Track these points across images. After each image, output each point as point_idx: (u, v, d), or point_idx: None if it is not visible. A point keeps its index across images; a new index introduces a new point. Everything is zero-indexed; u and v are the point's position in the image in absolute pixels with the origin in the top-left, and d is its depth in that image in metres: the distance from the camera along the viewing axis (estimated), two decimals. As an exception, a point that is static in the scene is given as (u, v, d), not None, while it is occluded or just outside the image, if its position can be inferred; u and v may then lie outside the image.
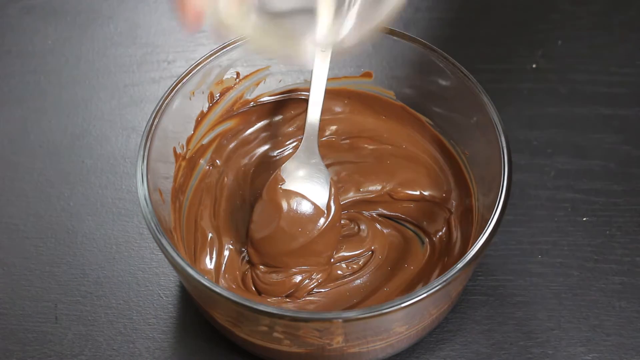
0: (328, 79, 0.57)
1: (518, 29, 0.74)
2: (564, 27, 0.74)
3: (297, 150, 0.57)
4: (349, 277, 0.56)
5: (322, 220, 0.55)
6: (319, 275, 0.56)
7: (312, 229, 0.55)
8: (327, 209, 0.55)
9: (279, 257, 0.55)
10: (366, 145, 0.62)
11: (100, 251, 0.61)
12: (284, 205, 0.55)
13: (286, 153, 0.62)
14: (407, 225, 0.59)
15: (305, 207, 0.55)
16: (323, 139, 0.62)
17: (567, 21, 0.74)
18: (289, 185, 0.56)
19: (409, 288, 0.55)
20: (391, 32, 0.57)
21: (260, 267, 0.56)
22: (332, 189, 0.56)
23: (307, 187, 0.56)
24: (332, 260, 0.56)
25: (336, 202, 0.56)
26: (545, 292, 0.58)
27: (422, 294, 0.46)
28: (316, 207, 0.55)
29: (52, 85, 0.71)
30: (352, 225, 0.59)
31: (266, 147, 0.62)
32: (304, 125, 0.56)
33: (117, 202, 0.63)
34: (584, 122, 0.67)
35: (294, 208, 0.55)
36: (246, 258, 0.57)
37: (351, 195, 0.59)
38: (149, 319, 0.57)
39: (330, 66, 0.56)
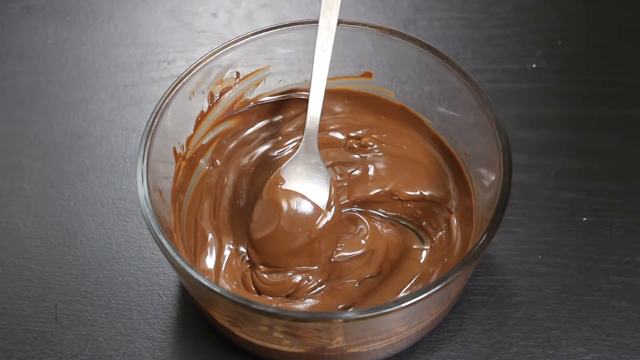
0: (328, 79, 0.57)
1: (518, 29, 0.74)
2: (564, 27, 0.74)
3: (297, 150, 0.57)
4: (349, 277, 0.56)
5: (322, 220, 0.55)
6: (319, 275, 0.56)
7: (312, 228, 0.55)
8: (327, 209, 0.55)
9: (279, 257, 0.55)
10: (366, 145, 0.62)
11: (100, 251, 0.61)
12: (284, 205, 0.55)
13: (286, 153, 0.62)
14: (407, 225, 0.59)
15: (305, 207, 0.55)
16: (323, 138, 0.62)
17: (567, 21, 0.74)
18: (289, 185, 0.56)
19: (409, 288, 0.55)
20: (391, 32, 0.57)
21: (260, 267, 0.56)
22: (332, 189, 0.56)
23: (307, 187, 0.56)
24: (332, 260, 0.56)
25: (336, 202, 0.56)
26: (545, 292, 0.58)
27: (422, 294, 0.46)
28: (316, 206, 0.55)
29: (52, 85, 0.71)
30: (352, 225, 0.59)
31: (266, 147, 0.62)
32: (304, 125, 0.56)
33: (117, 202, 0.63)
34: (584, 122, 0.67)
35: (294, 208, 0.55)
36: (246, 258, 0.57)
37: (351, 195, 0.59)
38: (149, 319, 0.57)
39: (330, 66, 0.56)
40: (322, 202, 0.55)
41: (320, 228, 0.55)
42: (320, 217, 0.55)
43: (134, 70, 0.72)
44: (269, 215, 0.55)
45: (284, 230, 0.55)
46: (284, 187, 0.56)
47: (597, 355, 0.55)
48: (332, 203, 0.55)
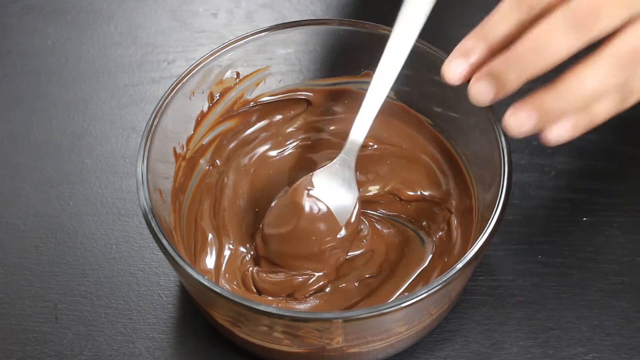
0: (328, 79, 0.57)
1: (518, 29, 0.74)
2: (564, 27, 0.74)
3: (334, 161, 0.56)
4: (349, 277, 0.56)
5: (336, 236, 0.54)
6: (320, 277, 0.55)
7: (324, 241, 0.54)
8: (345, 227, 0.55)
9: (283, 258, 0.55)
10: (366, 145, 0.62)
11: (100, 251, 0.61)
12: (306, 210, 0.54)
13: (286, 153, 0.62)
14: (407, 225, 0.59)
15: (325, 218, 0.55)
16: (323, 138, 0.62)
17: (567, 21, 0.74)
18: (316, 192, 0.55)
19: (409, 288, 0.55)
20: (391, 32, 0.57)
21: (262, 263, 0.56)
22: (357, 209, 0.55)
23: (332, 199, 0.55)
24: (336, 273, 0.56)
25: (356, 222, 0.55)
26: (545, 292, 0.58)
27: (422, 294, 0.46)
28: (335, 221, 0.55)
29: (52, 85, 0.71)
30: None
31: (266, 147, 0.62)
32: (349, 134, 0.55)
33: (117, 202, 0.63)
34: (584, 122, 0.67)
35: (314, 216, 0.55)
36: (246, 258, 0.57)
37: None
38: (149, 319, 0.57)
39: (329, 66, 0.56)
40: (342, 217, 0.55)
41: (331, 243, 0.54)
42: (336, 232, 0.54)
43: (134, 70, 0.72)
44: (287, 215, 0.55)
45: (296, 235, 0.54)
46: (311, 193, 0.55)
47: (597, 355, 0.55)
48: (352, 221, 0.55)
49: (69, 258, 0.61)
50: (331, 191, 0.55)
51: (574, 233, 0.61)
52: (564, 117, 0.48)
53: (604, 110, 0.49)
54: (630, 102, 0.49)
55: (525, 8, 0.46)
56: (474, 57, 0.49)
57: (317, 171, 0.56)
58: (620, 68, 0.45)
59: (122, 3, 0.77)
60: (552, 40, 0.45)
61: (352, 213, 0.55)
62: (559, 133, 0.49)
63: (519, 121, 0.48)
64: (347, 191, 0.55)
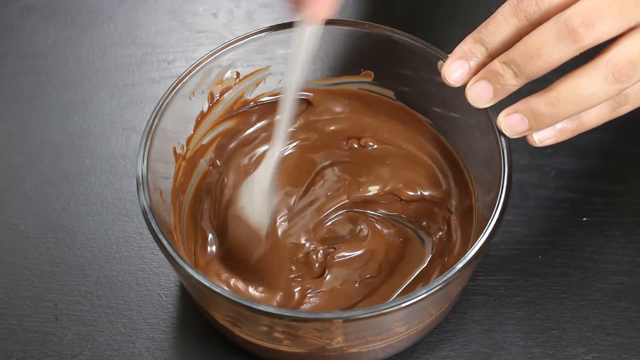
0: (328, 79, 0.57)
1: (518, 29, 0.74)
2: (564, 27, 0.74)
3: (255, 171, 0.55)
4: (349, 277, 0.56)
5: (260, 248, 0.54)
6: (312, 284, 0.55)
7: (251, 255, 0.54)
8: (266, 237, 0.54)
9: (243, 280, 0.55)
10: (366, 145, 0.62)
11: (100, 251, 0.61)
12: (230, 227, 0.54)
13: (286, 153, 0.62)
14: (407, 225, 0.59)
15: (247, 233, 0.54)
16: (323, 138, 0.62)
17: (567, 21, 0.74)
18: (238, 206, 0.54)
19: (409, 288, 0.55)
20: (391, 32, 0.57)
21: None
22: (275, 219, 0.55)
23: (253, 212, 0.54)
24: (288, 285, 0.55)
25: (275, 232, 0.55)
26: (545, 292, 0.58)
27: (422, 294, 0.46)
28: (256, 234, 0.54)
29: (52, 85, 0.71)
30: (352, 226, 0.58)
31: (266, 147, 0.62)
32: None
33: (117, 202, 0.63)
34: (584, 122, 0.67)
35: (237, 231, 0.54)
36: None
37: (351, 195, 0.59)
38: (149, 319, 0.57)
39: (329, 66, 0.56)
40: (263, 229, 0.54)
41: (258, 255, 0.54)
42: (259, 244, 0.54)
43: (134, 70, 0.72)
44: (225, 235, 0.55)
45: (231, 252, 0.54)
46: (233, 210, 0.54)
47: (597, 355, 0.55)
48: (272, 232, 0.54)
49: (69, 258, 0.61)
50: (253, 203, 0.54)
51: (574, 233, 0.61)
52: (556, 123, 0.48)
53: (594, 117, 0.49)
54: (624, 109, 0.49)
55: (522, 15, 0.46)
56: (474, 60, 0.49)
57: (243, 183, 0.55)
58: (615, 78, 0.45)
59: (122, 3, 0.77)
60: (544, 49, 0.45)
61: (270, 224, 0.54)
62: (544, 135, 0.49)
63: (511, 124, 0.48)
64: (266, 200, 0.54)
